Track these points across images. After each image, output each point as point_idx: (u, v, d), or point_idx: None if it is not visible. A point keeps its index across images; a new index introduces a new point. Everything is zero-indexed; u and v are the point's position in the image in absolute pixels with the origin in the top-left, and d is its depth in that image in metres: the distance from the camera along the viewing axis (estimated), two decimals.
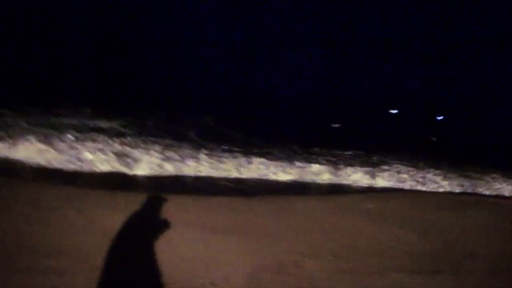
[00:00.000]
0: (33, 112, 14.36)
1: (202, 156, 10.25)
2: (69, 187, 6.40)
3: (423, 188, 9.75)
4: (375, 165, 12.80)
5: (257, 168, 9.67)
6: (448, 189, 10.03)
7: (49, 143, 8.73)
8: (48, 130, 10.67)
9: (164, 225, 4.44)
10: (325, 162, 12.28)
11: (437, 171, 12.78)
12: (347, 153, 14.98)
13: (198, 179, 8.51)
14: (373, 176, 10.56)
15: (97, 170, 7.79)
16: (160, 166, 8.77)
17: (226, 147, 13.17)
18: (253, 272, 3.65)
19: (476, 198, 9.16)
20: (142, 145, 10.41)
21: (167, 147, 11.00)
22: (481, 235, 5.78)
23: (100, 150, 8.94)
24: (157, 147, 10.45)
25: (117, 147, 9.66)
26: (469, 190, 10.08)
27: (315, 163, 11.61)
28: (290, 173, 9.49)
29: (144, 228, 4.46)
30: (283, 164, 10.37)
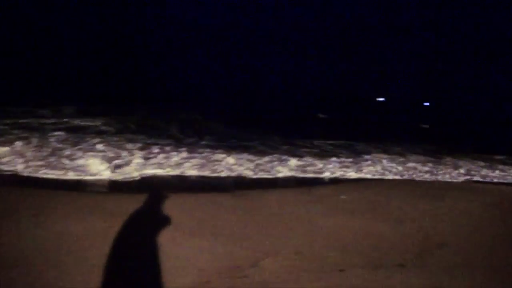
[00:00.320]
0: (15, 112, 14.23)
1: (182, 154, 10.01)
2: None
3: (405, 177, 9.58)
4: (358, 154, 12.69)
5: (235, 164, 9.46)
6: (430, 177, 9.88)
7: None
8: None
9: (132, 225, 4.27)
10: (305, 155, 12.15)
11: (420, 158, 12.73)
12: (329, 143, 14.87)
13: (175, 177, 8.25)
14: (356, 166, 10.41)
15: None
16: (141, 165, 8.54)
17: (205, 143, 13.01)
18: (204, 276, 3.45)
19: (458, 184, 9.05)
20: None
21: (147, 145, 10.80)
22: (455, 223, 5.63)
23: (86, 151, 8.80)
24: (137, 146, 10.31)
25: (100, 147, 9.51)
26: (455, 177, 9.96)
27: (295, 156, 11.46)
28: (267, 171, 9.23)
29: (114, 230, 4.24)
30: (262, 159, 10.18)
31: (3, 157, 7.66)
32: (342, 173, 9.42)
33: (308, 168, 9.85)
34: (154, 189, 7.11)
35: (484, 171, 11.10)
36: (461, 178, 9.74)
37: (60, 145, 9.82)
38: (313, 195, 7.17)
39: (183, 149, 10.87)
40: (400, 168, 10.54)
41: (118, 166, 8.19)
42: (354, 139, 16.21)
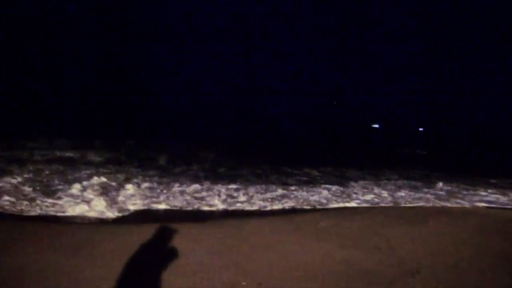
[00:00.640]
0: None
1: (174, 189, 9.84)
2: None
3: (390, 203, 9.36)
4: (347, 182, 12.52)
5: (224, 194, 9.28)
6: (418, 202, 9.67)
7: None
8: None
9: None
10: (293, 183, 12.01)
11: (410, 183, 12.56)
12: (320, 170, 14.74)
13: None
14: (344, 194, 10.22)
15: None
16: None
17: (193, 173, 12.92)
18: None
19: (446, 209, 8.82)
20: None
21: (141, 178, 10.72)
22: (434, 248, 5.36)
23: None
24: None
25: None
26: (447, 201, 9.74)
27: (282, 184, 11.33)
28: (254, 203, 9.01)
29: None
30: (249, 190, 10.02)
31: None
32: (327, 200, 9.21)
33: (294, 196, 9.67)
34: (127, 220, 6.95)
35: (476, 195, 10.89)
36: (449, 203, 9.51)
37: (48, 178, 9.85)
38: (293, 223, 6.95)
39: (169, 180, 10.76)
40: (387, 194, 10.34)
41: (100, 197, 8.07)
42: (345, 165, 16.12)
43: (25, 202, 7.22)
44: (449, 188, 11.81)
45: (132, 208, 7.59)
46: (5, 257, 4.26)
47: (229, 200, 8.85)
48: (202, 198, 8.81)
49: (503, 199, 10.61)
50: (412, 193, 10.67)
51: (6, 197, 7.38)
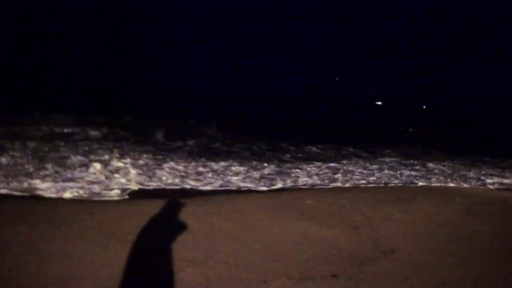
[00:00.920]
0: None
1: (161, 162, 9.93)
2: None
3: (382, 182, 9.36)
4: (342, 159, 12.52)
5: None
6: (408, 180, 9.66)
7: None
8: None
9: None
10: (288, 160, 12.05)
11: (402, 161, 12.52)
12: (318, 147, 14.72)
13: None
14: (335, 171, 10.24)
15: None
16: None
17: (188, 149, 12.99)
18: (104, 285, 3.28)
19: (435, 188, 8.80)
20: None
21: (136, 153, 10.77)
22: (414, 228, 5.34)
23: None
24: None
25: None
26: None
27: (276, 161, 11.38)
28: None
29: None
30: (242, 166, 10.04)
31: None
32: (318, 178, 9.23)
33: (286, 173, 9.69)
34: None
35: (471, 174, 10.84)
36: (441, 182, 9.48)
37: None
38: (279, 201, 6.99)
39: (163, 156, 10.80)
40: (380, 173, 10.33)
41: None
42: (343, 143, 16.07)
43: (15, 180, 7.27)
44: (443, 167, 11.76)
45: (119, 186, 7.58)
46: None
47: (219, 177, 8.89)
48: (193, 175, 8.86)
49: (496, 179, 10.57)
50: (405, 172, 10.63)
51: None
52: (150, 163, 9.78)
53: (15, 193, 6.63)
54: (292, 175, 9.51)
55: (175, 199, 6.72)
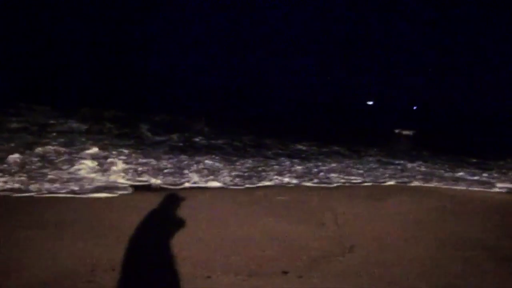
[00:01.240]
0: None
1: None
2: None
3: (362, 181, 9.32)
4: (325, 157, 12.50)
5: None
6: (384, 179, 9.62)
7: None
8: None
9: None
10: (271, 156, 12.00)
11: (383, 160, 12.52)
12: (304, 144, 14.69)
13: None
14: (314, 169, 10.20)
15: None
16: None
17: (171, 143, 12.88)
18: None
19: (411, 187, 8.79)
20: None
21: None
22: (378, 227, 5.31)
23: None
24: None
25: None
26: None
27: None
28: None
29: None
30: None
31: None
32: (297, 176, 9.17)
33: (267, 169, 9.63)
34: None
35: (451, 174, 10.86)
36: (419, 182, 9.46)
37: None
38: (253, 196, 6.93)
39: (144, 151, 10.65)
40: (361, 171, 10.32)
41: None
42: (329, 141, 16.05)
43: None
44: (424, 167, 11.78)
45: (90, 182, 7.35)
46: None
47: (199, 172, 8.78)
48: (173, 170, 8.71)
49: (476, 178, 10.60)
50: (385, 171, 10.60)
51: None
52: (131, 157, 9.63)
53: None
54: (272, 172, 9.43)
55: (145, 194, 6.65)
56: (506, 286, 3.81)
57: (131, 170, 8.25)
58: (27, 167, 7.53)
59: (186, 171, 8.75)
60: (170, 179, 7.99)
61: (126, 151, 10.41)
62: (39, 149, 9.09)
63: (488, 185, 9.69)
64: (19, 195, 5.80)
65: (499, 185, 9.72)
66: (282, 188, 7.95)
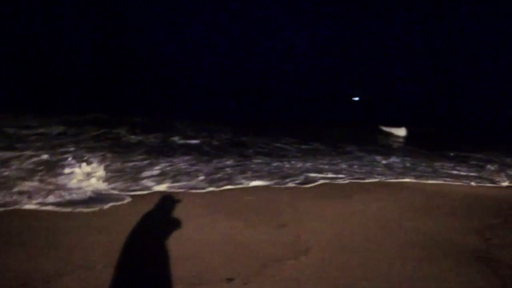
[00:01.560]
0: None
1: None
2: None
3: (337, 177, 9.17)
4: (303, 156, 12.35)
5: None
6: (361, 176, 9.49)
7: None
8: None
9: None
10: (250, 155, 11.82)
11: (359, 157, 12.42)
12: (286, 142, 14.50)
13: None
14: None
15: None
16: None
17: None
18: None
19: (384, 183, 8.65)
20: None
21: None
22: (339, 227, 5.14)
23: None
24: None
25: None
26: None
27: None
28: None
29: None
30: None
31: None
32: (273, 175, 9.00)
33: (242, 169, 9.43)
34: None
35: (433, 169, 10.79)
36: (394, 178, 9.34)
37: None
38: (222, 198, 6.73)
39: (116, 153, 10.34)
40: (336, 169, 10.18)
41: None
42: (311, 139, 15.92)
43: None
44: (405, 162, 11.70)
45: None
46: None
47: (171, 174, 8.54)
48: (143, 172, 8.44)
49: (454, 172, 10.53)
50: (367, 168, 10.47)
51: None
52: (109, 161, 9.29)
53: None
54: (248, 172, 9.22)
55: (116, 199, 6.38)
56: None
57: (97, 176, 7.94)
58: None
59: (149, 174, 8.42)
60: (140, 180, 7.73)
61: (102, 152, 10.07)
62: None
63: (465, 179, 9.65)
64: None
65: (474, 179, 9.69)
66: (254, 188, 7.75)
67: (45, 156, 8.91)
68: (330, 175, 9.31)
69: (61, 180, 7.21)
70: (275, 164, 10.42)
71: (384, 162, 11.70)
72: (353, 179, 9.07)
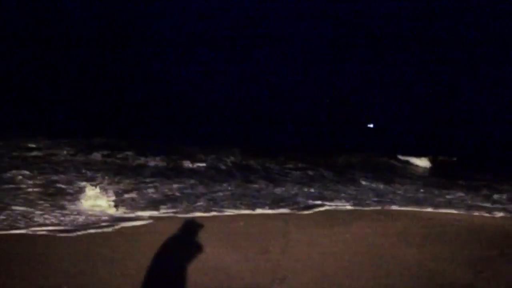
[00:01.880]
0: None
1: None
2: None
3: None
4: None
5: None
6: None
7: None
8: None
9: None
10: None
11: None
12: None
13: None
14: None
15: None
16: None
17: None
18: None
19: (378, 211, 8.41)
20: None
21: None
22: (323, 254, 5.03)
23: None
24: None
25: None
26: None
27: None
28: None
29: None
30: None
31: None
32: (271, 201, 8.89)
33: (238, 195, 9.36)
34: None
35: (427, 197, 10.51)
36: (395, 205, 9.12)
37: None
38: (214, 223, 6.65)
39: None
40: (340, 196, 10.02)
41: None
42: (321, 165, 15.80)
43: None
44: (408, 190, 11.46)
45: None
46: None
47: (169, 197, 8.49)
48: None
49: (467, 202, 10.22)
50: (368, 197, 10.24)
51: None
52: None
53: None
54: (247, 198, 9.10)
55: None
56: None
57: None
58: None
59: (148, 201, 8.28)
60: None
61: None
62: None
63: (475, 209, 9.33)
64: None
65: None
66: (248, 214, 7.62)
67: (53, 178, 9.06)
68: (330, 203, 9.12)
69: (69, 203, 7.18)
70: (277, 189, 10.33)
71: (391, 190, 11.46)
72: (354, 206, 8.88)
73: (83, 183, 8.45)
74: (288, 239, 5.65)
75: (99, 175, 10.06)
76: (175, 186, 9.72)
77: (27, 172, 9.17)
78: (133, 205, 7.43)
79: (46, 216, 6.13)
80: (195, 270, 4.27)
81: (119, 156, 14.15)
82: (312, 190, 10.62)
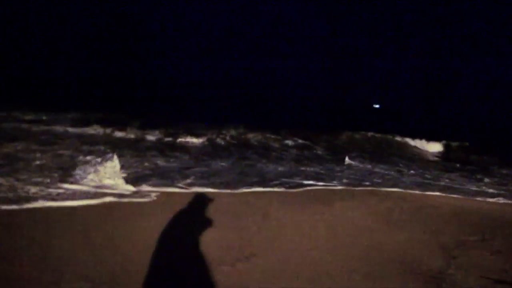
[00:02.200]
0: None
1: None
2: None
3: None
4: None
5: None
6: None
7: None
8: None
9: None
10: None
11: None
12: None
13: None
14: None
15: None
16: None
17: None
18: None
19: (371, 191, 8.36)
20: None
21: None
22: (299, 233, 5.00)
23: None
24: None
25: None
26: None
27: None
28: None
29: None
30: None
31: None
32: (263, 180, 8.87)
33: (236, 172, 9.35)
34: None
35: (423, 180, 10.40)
36: (387, 186, 9.05)
37: None
38: (203, 198, 6.67)
39: None
40: (335, 176, 9.96)
41: None
42: (319, 143, 15.73)
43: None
44: (408, 173, 11.34)
45: None
46: None
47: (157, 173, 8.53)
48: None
49: (472, 187, 10.10)
50: (362, 177, 10.20)
51: None
52: None
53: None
54: (241, 175, 9.09)
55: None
56: None
57: None
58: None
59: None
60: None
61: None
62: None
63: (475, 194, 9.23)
64: None
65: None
66: (234, 194, 7.59)
67: (60, 152, 9.09)
68: (322, 182, 9.07)
69: (69, 177, 7.20)
70: (270, 167, 10.28)
71: (389, 172, 11.36)
72: (346, 186, 8.82)
73: (82, 157, 8.57)
74: (267, 218, 5.64)
75: (99, 148, 10.12)
76: (171, 160, 9.74)
77: (25, 144, 9.28)
78: (127, 179, 7.46)
79: (44, 189, 6.10)
80: (166, 244, 4.29)
81: (120, 129, 14.24)
82: (307, 169, 10.57)
